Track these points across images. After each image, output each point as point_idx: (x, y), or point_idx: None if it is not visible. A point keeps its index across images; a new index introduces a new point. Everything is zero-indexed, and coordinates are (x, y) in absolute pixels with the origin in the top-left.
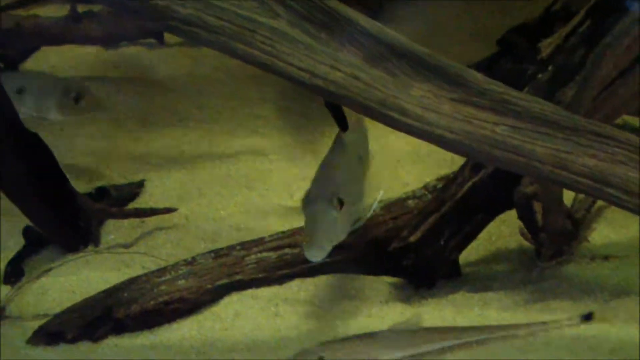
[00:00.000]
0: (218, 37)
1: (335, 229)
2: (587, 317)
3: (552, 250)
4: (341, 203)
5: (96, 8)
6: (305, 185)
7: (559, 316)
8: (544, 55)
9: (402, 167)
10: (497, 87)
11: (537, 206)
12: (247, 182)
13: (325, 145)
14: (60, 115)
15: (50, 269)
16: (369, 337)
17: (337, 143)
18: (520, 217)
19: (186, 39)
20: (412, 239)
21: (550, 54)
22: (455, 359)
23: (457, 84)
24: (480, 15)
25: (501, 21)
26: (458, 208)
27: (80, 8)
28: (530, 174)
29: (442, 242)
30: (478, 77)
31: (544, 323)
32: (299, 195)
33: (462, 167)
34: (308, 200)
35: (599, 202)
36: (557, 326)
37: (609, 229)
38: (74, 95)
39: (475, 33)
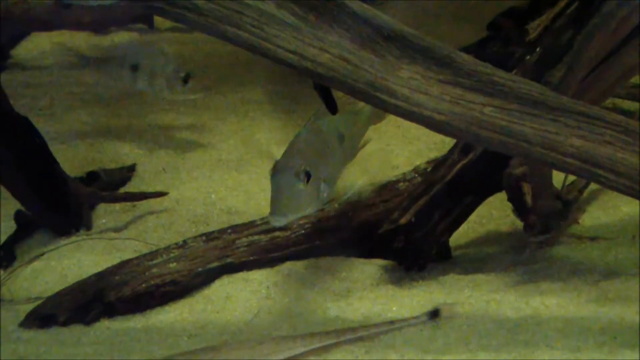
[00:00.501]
0: (206, 19)
1: (299, 201)
2: (434, 314)
3: (541, 230)
4: (307, 176)
5: None
6: None
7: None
8: (531, 37)
9: (391, 150)
10: (485, 69)
11: (527, 187)
12: (238, 165)
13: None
14: (169, 94)
15: (43, 254)
16: None
17: (313, 120)
18: (510, 199)
19: (173, 21)
20: (402, 221)
21: (538, 35)
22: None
23: (445, 65)
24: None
25: (488, 4)
26: (448, 190)
27: None
28: (519, 154)
29: (432, 224)
30: (466, 58)
31: (391, 322)
32: None
33: (452, 150)
34: (274, 171)
35: (593, 185)
36: (404, 324)
37: (599, 211)
38: (183, 76)
39: (463, 16)
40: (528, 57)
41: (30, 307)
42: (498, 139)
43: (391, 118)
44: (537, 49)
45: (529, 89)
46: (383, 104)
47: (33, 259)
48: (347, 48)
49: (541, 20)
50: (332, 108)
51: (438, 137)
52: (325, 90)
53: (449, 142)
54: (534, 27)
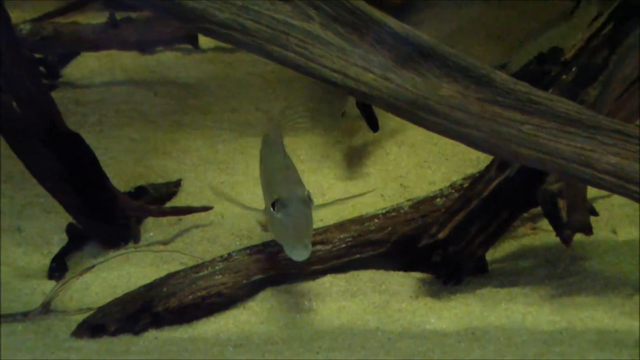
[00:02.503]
0: (254, 39)
1: (311, 227)
2: None
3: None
4: (312, 201)
5: (133, 15)
6: (337, 183)
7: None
8: (567, 57)
9: (428, 166)
10: (523, 88)
11: (562, 203)
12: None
13: (354, 142)
14: None
15: (93, 266)
16: None
17: (275, 145)
18: (546, 214)
19: (223, 42)
20: (441, 235)
21: (573, 55)
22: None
23: (484, 84)
24: (498, 17)
25: (518, 23)
26: (485, 206)
27: (118, 15)
28: (555, 171)
29: (469, 239)
30: (504, 77)
31: None
32: (331, 193)
33: (489, 166)
34: (284, 204)
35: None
36: None
37: (632, 227)
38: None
39: (494, 34)
40: (564, 76)
41: (81, 317)
42: (535, 156)
43: (428, 135)
44: (573, 69)
45: (566, 108)
46: (424, 122)
47: (84, 271)
48: (389, 67)
49: (576, 40)
50: (374, 125)
51: (474, 154)
52: (367, 108)
53: (484, 158)
54: (570, 47)
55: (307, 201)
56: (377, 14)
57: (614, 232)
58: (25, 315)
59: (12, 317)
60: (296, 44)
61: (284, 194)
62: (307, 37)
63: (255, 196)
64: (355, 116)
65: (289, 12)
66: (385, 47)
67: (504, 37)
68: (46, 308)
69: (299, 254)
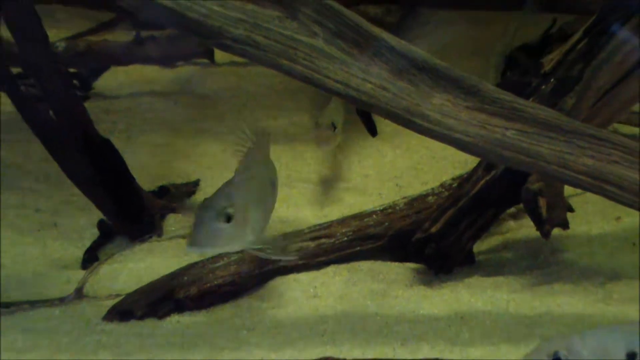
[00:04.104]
0: (265, 54)
1: (218, 238)
2: None
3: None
4: (229, 218)
5: (157, 33)
6: (336, 182)
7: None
8: (546, 69)
9: (421, 168)
10: (507, 97)
11: (542, 201)
12: (289, 181)
13: (352, 148)
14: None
15: (112, 255)
16: None
17: (245, 165)
18: (528, 211)
19: (238, 56)
20: (433, 230)
21: (552, 68)
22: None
23: (472, 93)
24: (479, 36)
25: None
26: (473, 203)
27: (143, 34)
28: (536, 172)
29: (458, 233)
30: (490, 87)
31: None
32: (333, 193)
33: (476, 167)
34: (202, 206)
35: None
36: None
37: (603, 221)
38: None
39: (479, 51)
40: (544, 86)
41: (111, 303)
42: (518, 159)
43: (421, 140)
44: (552, 80)
45: (546, 115)
46: (418, 128)
47: (108, 258)
48: (386, 78)
49: (554, 54)
50: (372, 131)
51: (462, 157)
52: (366, 115)
53: (472, 161)
54: (549, 61)
55: (222, 215)
56: (376, 30)
57: (619, 218)
58: (61, 301)
59: (50, 302)
60: (303, 57)
61: (206, 200)
62: (312, 51)
63: None
64: (328, 126)
65: (296, 29)
66: (382, 60)
67: (488, 53)
68: (79, 294)
69: (188, 249)
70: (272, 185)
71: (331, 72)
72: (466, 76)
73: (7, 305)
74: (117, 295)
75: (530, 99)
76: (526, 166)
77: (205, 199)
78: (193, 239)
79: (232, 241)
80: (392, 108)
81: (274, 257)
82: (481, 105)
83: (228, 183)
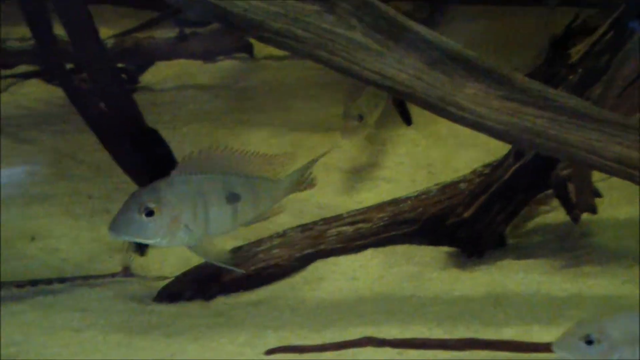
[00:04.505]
0: (304, 46)
1: (133, 230)
2: None
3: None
4: (149, 214)
5: (199, 30)
6: (372, 170)
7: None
8: (574, 60)
9: (452, 156)
10: (537, 86)
11: (571, 187)
12: (326, 168)
13: (386, 137)
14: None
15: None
16: None
17: (190, 166)
18: (557, 196)
19: (278, 48)
20: (466, 214)
21: (579, 59)
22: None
23: (504, 83)
24: (505, 30)
25: (522, 36)
26: (504, 189)
27: (187, 30)
28: (566, 159)
29: (490, 217)
30: (521, 77)
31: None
32: (369, 179)
33: (507, 155)
34: (131, 194)
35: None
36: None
37: (629, 206)
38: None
39: (500, 45)
40: (571, 76)
41: (161, 284)
42: (549, 145)
43: (452, 129)
44: (579, 70)
45: (575, 103)
46: (452, 116)
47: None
48: (421, 68)
49: (582, 45)
50: (407, 120)
51: (491, 145)
52: (401, 104)
53: (500, 149)
54: (576, 52)
55: (142, 208)
56: (411, 22)
57: None
58: (113, 277)
59: (102, 278)
60: (341, 49)
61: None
62: (350, 44)
63: None
64: (354, 117)
65: (334, 22)
66: (417, 51)
67: (509, 47)
68: (127, 271)
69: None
70: (232, 197)
71: (368, 63)
72: (498, 66)
73: (62, 280)
74: (166, 278)
75: (559, 89)
76: (556, 153)
77: (138, 189)
78: (111, 224)
79: (150, 235)
80: (427, 97)
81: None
82: (512, 94)
83: (164, 179)
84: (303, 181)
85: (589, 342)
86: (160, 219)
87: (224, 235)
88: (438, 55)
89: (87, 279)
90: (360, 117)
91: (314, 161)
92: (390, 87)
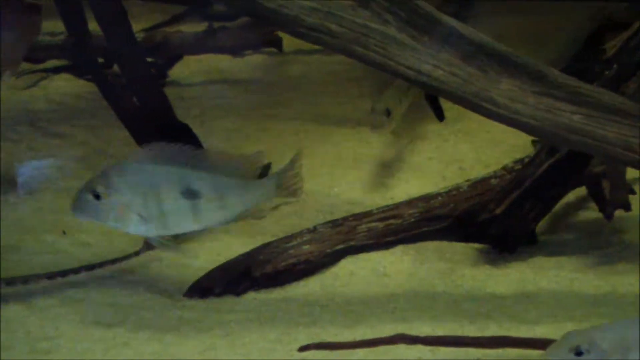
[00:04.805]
0: (339, 41)
1: (85, 211)
2: None
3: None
4: (97, 197)
5: (227, 24)
6: (401, 165)
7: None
8: (609, 55)
9: (482, 151)
10: (572, 82)
11: (605, 183)
12: (355, 164)
13: (415, 132)
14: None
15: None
16: None
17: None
18: (590, 193)
19: (312, 43)
20: (498, 211)
21: (614, 54)
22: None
23: (539, 79)
24: (531, 26)
25: (549, 31)
26: (536, 185)
27: (215, 24)
28: (601, 155)
29: (522, 214)
30: (556, 73)
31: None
32: (399, 175)
33: (540, 150)
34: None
35: None
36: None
37: None
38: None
39: (530, 40)
40: (606, 72)
41: (189, 275)
42: (584, 142)
43: (481, 124)
44: (614, 65)
45: (610, 99)
46: (487, 112)
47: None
48: (456, 64)
49: (617, 40)
50: (440, 115)
51: (521, 140)
52: (434, 100)
53: (530, 144)
54: (611, 47)
55: (89, 189)
56: (445, 18)
57: None
58: (136, 254)
59: (127, 257)
60: (375, 44)
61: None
62: (384, 39)
63: (333, 177)
64: (382, 112)
65: (368, 17)
66: (452, 46)
67: (536, 43)
68: (149, 246)
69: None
70: (189, 194)
71: (403, 58)
72: (533, 62)
73: (90, 267)
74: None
75: (594, 84)
76: (592, 149)
77: (103, 171)
78: (71, 205)
79: (102, 217)
80: (462, 93)
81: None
82: (547, 90)
83: (117, 165)
84: (287, 186)
85: (579, 353)
86: (109, 203)
87: (191, 235)
88: (473, 50)
89: (114, 262)
90: (388, 112)
91: (292, 163)
92: (425, 83)
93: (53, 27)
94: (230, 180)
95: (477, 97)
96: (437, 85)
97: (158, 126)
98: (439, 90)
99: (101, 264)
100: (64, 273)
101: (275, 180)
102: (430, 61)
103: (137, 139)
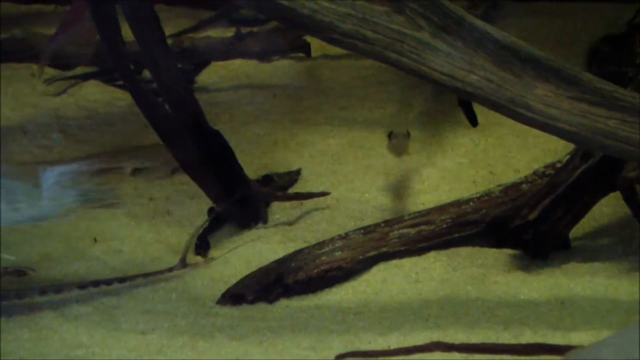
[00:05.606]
0: (373, 47)
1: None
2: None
3: None
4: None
5: (255, 29)
6: (431, 171)
7: None
8: None
9: (513, 156)
10: (608, 86)
11: (638, 189)
12: (385, 169)
13: (445, 138)
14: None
15: (239, 245)
16: None
17: None
18: (624, 198)
19: (347, 50)
20: (531, 217)
21: None
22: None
23: (573, 83)
24: (553, 29)
25: (570, 34)
26: (570, 191)
27: (243, 30)
28: (638, 160)
29: (555, 219)
30: (590, 77)
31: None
32: (429, 181)
33: (573, 156)
34: None
35: None
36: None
37: None
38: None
39: (558, 42)
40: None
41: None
42: (620, 147)
43: (512, 129)
44: None
45: None
46: (522, 118)
47: (236, 247)
48: (490, 70)
49: None
50: (473, 121)
51: (552, 145)
52: (467, 105)
53: (562, 150)
54: None
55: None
56: (479, 23)
57: None
58: (170, 270)
59: (161, 273)
60: (409, 50)
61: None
62: (418, 45)
63: (363, 182)
64: (404, 136)
65: (403, 23)
66: (486, 52)
67: (565, 44)
68: (183, 263)
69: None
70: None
71: (437, 64)
72: (567, 66)
73: (122, 279)
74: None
75: (627, 89)
76: (627, 154)
77: None
78: None
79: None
80: (497, 99)
81: None
82: (582, 95)
83: None
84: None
85: None
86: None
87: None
88: (508, 55)
89: (147, 276)
90: (408, 133)
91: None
92: (460, 89)
93: None
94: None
95: (512, 103)
96: (472, 90)
97: (190, 133)
98: (473, 95)
99: (133, 277)
100: (96, 283)
101: None
102: (464, 67)
103: (168, 145)
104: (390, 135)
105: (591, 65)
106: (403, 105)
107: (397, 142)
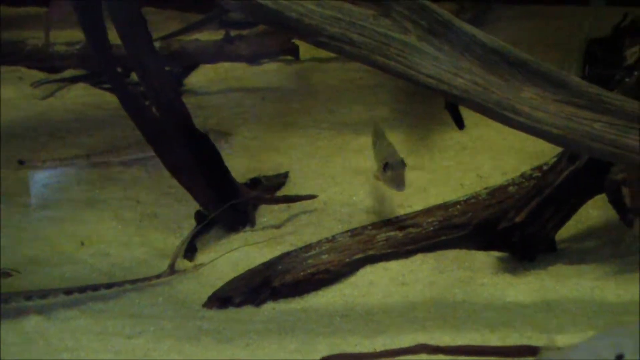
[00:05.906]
0: (360, 50)
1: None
2: None
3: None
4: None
5: (244, 32)
6: (419, 173)
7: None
8: (630, 62)
9: (500, 158)
10: (594, 90)
11: (626, 191)
12: (373, 172)
13: (433, 141)
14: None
15: (236, 248)
16: None
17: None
18: (611, 200)
19: (333, 53)
20: (518, 219)
21: (635, 61)
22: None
23: (560, 87)
24: (551, 30)
25: (567, 35)
26: (557, 193)
27: (232, 32)
28: (624, 163)
29: (542, 222)
30: (577, 81)
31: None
32: (417, 182)
33: (560, 158)
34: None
35: None
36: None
37: None
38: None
39: (550, 45)
40: (627, 79)
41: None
42: (606, 150)
43: (499, 132)
44: (635, 73)
45: (632, 107)
46: (509, 121)
47: (231, 250)
48: (477, 73)
49: (637, 47)
50: (460, 124)
51: (539, 148)
52: (454, 108)
53: (548, 152)
54: (631, 54)
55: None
56: (466, 26)
57: None
58: (157, 277)
59: (148, 279)
60: (396, 54)
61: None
62: (405, 48)
63: (351, 185)
64: (400, 165)
65: (389, 26)
66: (473, 55)
67: (557, 47)
68: (172, 270)
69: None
70: None
71: (424, 67)
72: (554, 70)
73: (109, 285)
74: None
75: (615, 92)
76: (613, 157)
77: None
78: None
79: None
80: (484, 102)
81: None
82: (569, 98)
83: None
84: None
85: None
86: None
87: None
88: (495, 59)
89: (134, 282)
90: (404, 163)
91: None
92: (447, 92)
93: (69, 37)
94: None
95: (498, 106)
96: (458, 93)
97: (177, 137)
98: (459, 98)
99: (120, 283)
100: (82, 289)
101: None
102: (451, 70)
103: (155, 148)
104: (385, 167)
105: (584, 68)
106: (391, 107)
107: (395, 175)
